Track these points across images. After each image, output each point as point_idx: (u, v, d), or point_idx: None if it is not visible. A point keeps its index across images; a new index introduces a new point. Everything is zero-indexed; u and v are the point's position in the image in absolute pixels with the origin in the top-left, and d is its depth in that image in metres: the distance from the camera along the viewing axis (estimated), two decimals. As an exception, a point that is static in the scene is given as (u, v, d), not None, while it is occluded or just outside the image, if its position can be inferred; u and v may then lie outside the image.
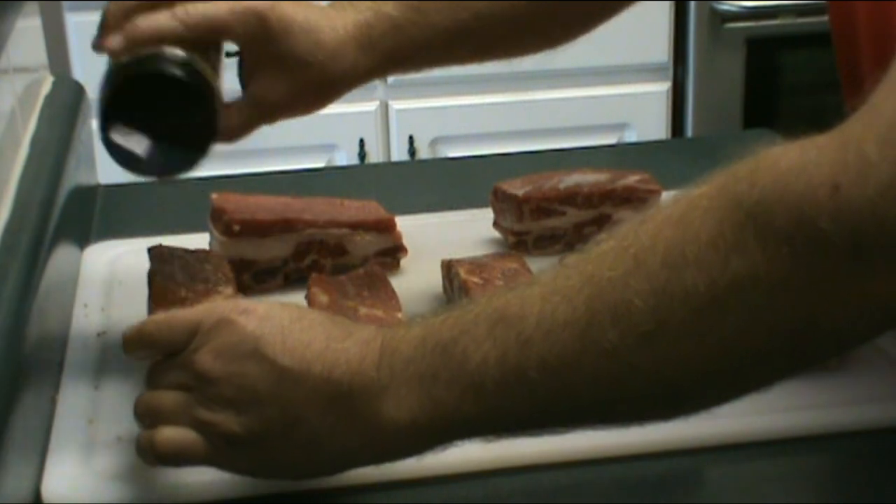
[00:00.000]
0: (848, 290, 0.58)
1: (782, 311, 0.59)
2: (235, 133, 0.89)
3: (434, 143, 2.34)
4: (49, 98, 1.17)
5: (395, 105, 2.31)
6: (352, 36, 0.90)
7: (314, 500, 0.76)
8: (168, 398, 0.72)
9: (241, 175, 1.38)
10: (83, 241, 1.12)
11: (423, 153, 2.33)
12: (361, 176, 1.51)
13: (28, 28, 1.14)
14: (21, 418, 0.75)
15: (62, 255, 0.99)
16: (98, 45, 0.86)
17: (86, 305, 1.00)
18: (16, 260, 0.85)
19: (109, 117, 0.82)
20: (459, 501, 0.77)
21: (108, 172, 1.30)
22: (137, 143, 0.81)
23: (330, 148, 2.30)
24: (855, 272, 0.57)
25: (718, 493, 0.79)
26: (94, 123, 1.29)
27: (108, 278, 1.04)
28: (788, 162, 0.58)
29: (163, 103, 0.82)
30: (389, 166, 1.94)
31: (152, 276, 0.92)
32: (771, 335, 0.60)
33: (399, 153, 2.33)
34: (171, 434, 0.71)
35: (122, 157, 0.82)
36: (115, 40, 0.84)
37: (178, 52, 0.83)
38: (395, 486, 0.77)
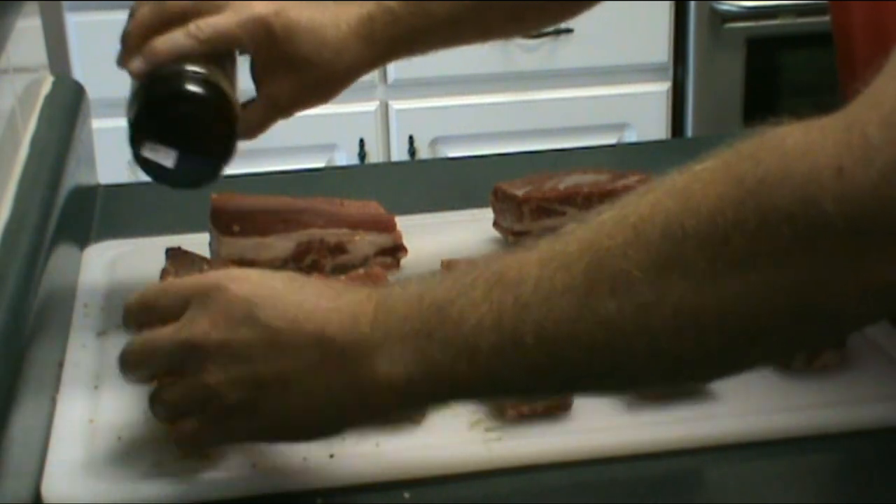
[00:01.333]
0: (847, 272, 0.58)
1: (780, 291, 0.59)
2: (254, 131, 0.95)
3: (434, 143, 2.34)
4: (49, 98, 1.17)
5: (395, 105, 2.31)
6: (354, 31, 0.94)
7: (315, 499, 0.76)
8: (174, 392, 0.73)
9: (241, 175, 1.37)
10: (83, 241, 1.12)
11: (423, 153, 2.33)
12: (361, 176, 1.51)
13: (28, 28, 1.14)
14: (21, 418, 0.75)
15: (62, 255, 0.99)
16: (121, 62, 0.91)
17: (86, 305, 1.00)
18: (16, 260, 0.85)
19: (138, 135, 0.87)
20: (459, 501, 0.77)
21: (108, 172, 1.31)
22: (165, 157, 0.86)
23: (330, 148, 2.30)
24: (855, 254, 0.57)
25: (718, 493, 0.79)
26: (95, 123, 1.29)
27: (108, 278, 1.04)
28: (793, 142, 0.59)
29: (186, 118, 0.87)
30: (389, 166, 1.94)
31: (164, 275, 0.92)
32: (768, 313, 0.60)
33: (399, 153, 2.33)
34: (183, 429, 0.73)
35: (153, 170, 0.88)
36: (136, 63, 0.89)
37: (196, 69, 0.88)
38: (395, 486, 0.77)
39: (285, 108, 0.95)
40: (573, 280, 0.63)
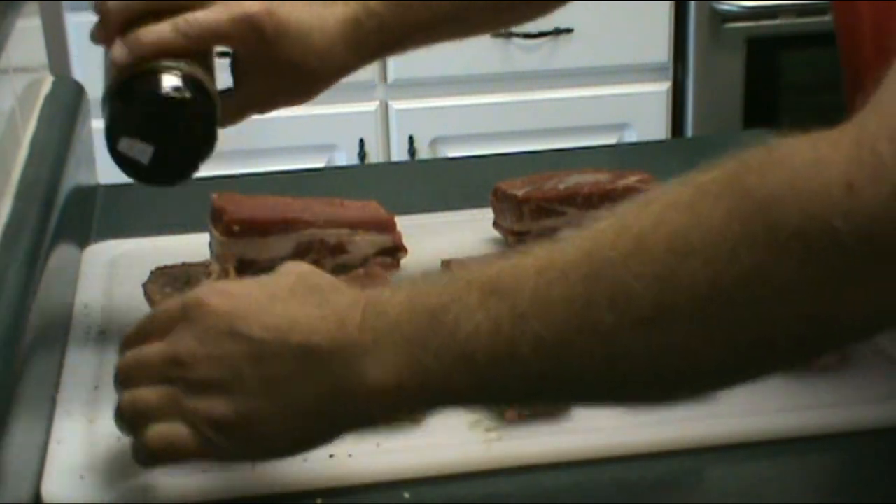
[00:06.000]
0: (857, 289, 0.58)
1: (789, 307, 0.59)
2: (227, 122, 0.92)
3: (434, 143, 2.34)
4: (49, 98, 1.17)
5: (395, 105, 2.31)
6: (340, 34, 0.92)
7: (315, 499, 0.76)
8: (152, 395, 0.71)
9: (241, 175, 1.38)
10: (83, 241, 1.12)
11: (423, 153, 2.33)
12: (361, 176, 1.51)
13: (28, 28, 1.14)
14: (21, 418, 0.75)
15: (62, 255, 0.99)
16: (98, 39, 0.88)
17: (86, 305, 1.00)
18: (16, 260, 0.85)
19: (115, 131, 0.84)
20: (459, 501, 0.77)
21: (108, 172, 1.31)
22: (142, 153, 0.84)
23: (330, 148, 2.30)
24: (866, 271, 0.57)
25: (718, 493, 0.79)
26: (95, 123, 1.29)
27: (108, 278, 1.04)
28: (802, 158, 0.58)
29: (167, 116, 0.85)
30: (389, 166, 1.94)
31: (148, 293, 0.92)
32: (775, 329, 0.60)
33: (399, 153, 2.33)
34: (161, 430, 0.70)
35: (128, 166, 0.86)
36: (118, 52, 0.85)
37: (180, 66, 0.85)
38: (394, 486, 0.77)
39: (262, 107, 0.94)
40: (572, 290, 0.62)
